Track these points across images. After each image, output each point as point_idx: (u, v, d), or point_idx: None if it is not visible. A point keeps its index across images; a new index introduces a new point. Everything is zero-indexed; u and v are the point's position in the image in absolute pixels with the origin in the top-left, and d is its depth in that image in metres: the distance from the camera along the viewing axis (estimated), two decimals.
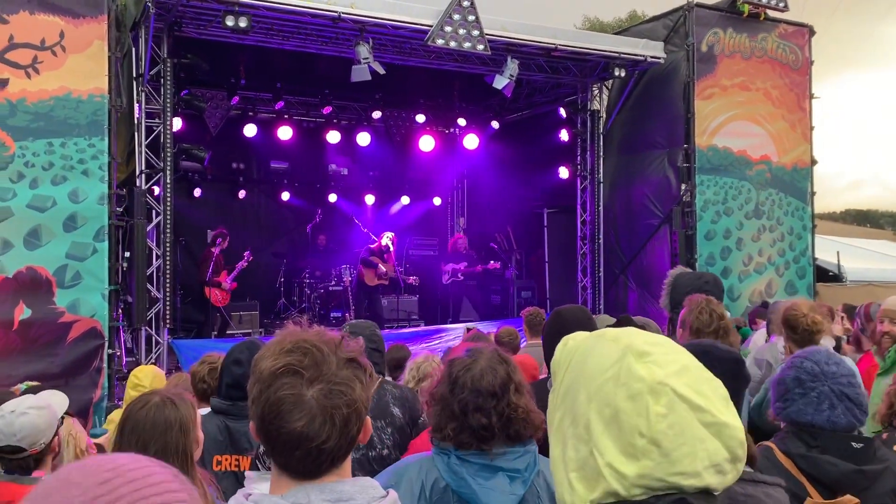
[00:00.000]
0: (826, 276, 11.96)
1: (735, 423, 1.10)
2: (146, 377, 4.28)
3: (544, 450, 2.57)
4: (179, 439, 2.18)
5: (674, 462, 1.04)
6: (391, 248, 12.07)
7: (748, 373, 2.58)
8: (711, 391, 1.10)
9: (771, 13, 10.70)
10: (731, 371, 2.38)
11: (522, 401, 2.19)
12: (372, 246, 12.08)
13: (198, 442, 2.30)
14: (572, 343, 1.21)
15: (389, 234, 12.20)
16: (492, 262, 12.52)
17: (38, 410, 2.82)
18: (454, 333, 10.19)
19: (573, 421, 1.11)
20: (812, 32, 11.20)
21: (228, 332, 10.85)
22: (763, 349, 4.60)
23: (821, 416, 2.44)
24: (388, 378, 3.79)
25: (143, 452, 2.09)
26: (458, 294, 12.72)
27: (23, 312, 6.70)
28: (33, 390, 4.04)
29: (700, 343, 2.71)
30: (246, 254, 11.16)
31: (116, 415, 5.52)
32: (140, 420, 2.19)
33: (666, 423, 1.05)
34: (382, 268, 11.84)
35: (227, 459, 2.98)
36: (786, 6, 10.67)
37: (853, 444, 2.40)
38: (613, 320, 4.02)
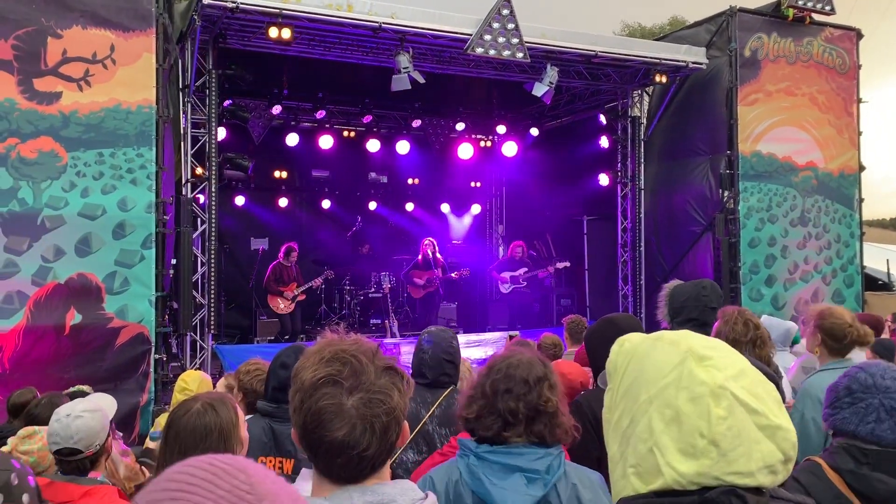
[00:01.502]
0: (875, 284, 11.67)
1: (788, 426, 1.14)
2: (193, 382, 4.37)
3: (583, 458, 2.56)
4: (220, 445, 2.23)
5: (730, 462, 1.09)
6: (430, 255, 12.13)
7: (784, 390, 2.52)
8: (766, 394, 1.15)
9: (816, 17, 10.51)
10: None
11: (555, 398, 2.23)
12: (418, 259, 12.23)
13: (242, 442, 2.35)
14: (628, 345, 1.25)
15: (427, 241, 12.26)
16: (559, 261, 12.23)
17: (91, 413, 2.92)
18: (492, 341, 10.21)
19: (633, 420, 1.16)
20: (860, 36, 10.97)
21: (270, 338, 11.04)
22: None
23: (865, 428, 2.37)
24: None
25: (184, 458, 2.16)
26: (522, 302, 12.45)
27: (73, 318, 6.90)
28: (80, 393, 4.17)
29: None
30: (325, 273, 11.55)
31: (164, 419, 5.65)
32: (182, 427, 2.26)
33: (725, 425, 1.10)
34: (419, 281, 12.07)
35: (270, 461, 3.04)
36: (832, 10, 10.46)
37: None
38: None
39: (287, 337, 11.07)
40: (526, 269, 12.21)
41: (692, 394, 1.11)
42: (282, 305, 11.23)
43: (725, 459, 1.09)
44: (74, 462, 2.82)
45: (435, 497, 1.44)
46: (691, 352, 1.16)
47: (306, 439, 1.40)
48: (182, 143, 8.47)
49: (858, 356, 3.80)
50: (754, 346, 3.35)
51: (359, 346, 1.45)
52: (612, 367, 1.26)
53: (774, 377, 2.40)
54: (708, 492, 1.09)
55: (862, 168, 11.03)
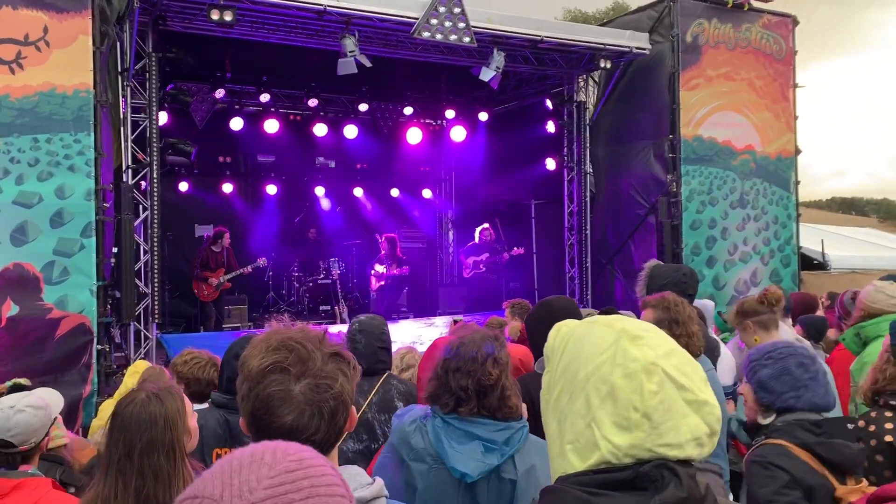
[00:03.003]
0: (811, 264, 12.07)
1: (713, 402, 1.21)
2: (144, 367, 4.30)
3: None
4: (165, 434, 2.21)
5: (661, 434, 1.15)
6: (388, 250, 12.16)
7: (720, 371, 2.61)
8: (693, 372, 1.22)
9: (755, 3, 10.77)
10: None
11: (497, 372, 2.34)
12: (380, 254, 12.24)
13: (190, 433, 2.34)
14: (565, 329, 1.30)
15: (383, 239, 12.30)
16: (515, 247, 12.27)
17: (34, 410, 2.86)
18: (440, 325, 10.26)
19: (571, 398, 1.21)
20: (795, 23, 11.28)
21: (224, 325, 10.87)
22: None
23: (827, 399, 2.51)
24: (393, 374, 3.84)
25: (130, 449, 2.17)
26: (479, 286, 12.50)
27: (10, 309, 6.68)
28: (18, 388, 4.06)
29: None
30: (260, 260, 11.30)
31: (108, 405, 5.54)
32: (126, 417, 2.24)
33: (657, 399, 1.16)
34: (378, 270, 12.16)
35: (226, 452, 3.02)
36: None
37: (849, 425, 2.49)
38: (597, 312, 4.07)
39: (202, 327, 10.84)
40: (488, 255, 12.31)
41: (626, 370, 1.18)
42: (205, 292, 10.93)
43: (657, 432, 1.15)
44: (4, 455, 2.77)
45: (382, 482, 1.47)
46: (625, 332, 1.22)
47: (255, 426, 1.41)
48: (122, 129, 8.25)
49: (787, 333, 3.98)
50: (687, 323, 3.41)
51: (305, 333, 1.46)
52: (550, 350, 1.31)
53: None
54: (642, 466, 1.14)
55: (798, 151, 11.38)
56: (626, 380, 1.17)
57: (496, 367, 2.35)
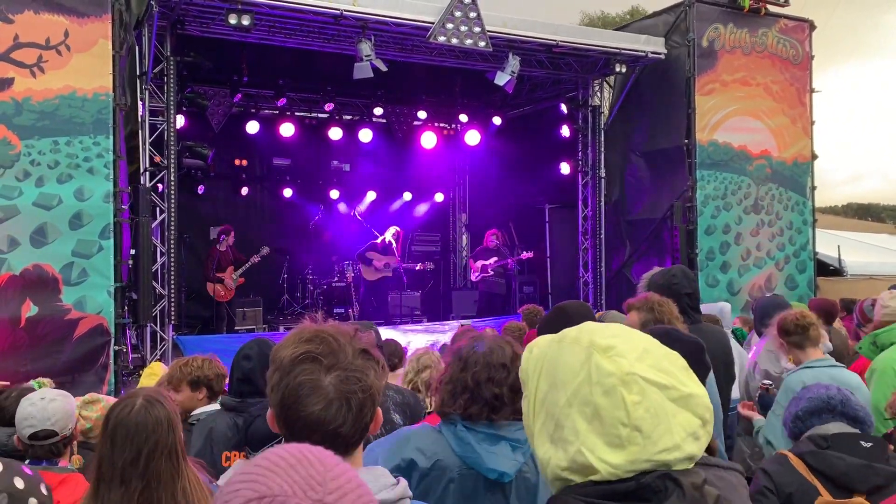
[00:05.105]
0: (827, 270, 11.99)
1: (699, 391, 1.18)
2: (160, 369, 4.37)
3: None
4: (169, 436, 2.21)
5: (655, 442, 1.12)
6: (394, 243, 12.12)
7: (709, 360, 2.57)
8: (671, 365, 1.19)
9: (771, 8, 10.72)
10: (691, 356, 2.42)
11: None
12: (376, 241, 12.16)
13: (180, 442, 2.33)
14: (537, 350, 1.26)
15: (393, 230, 12.26)
16: (524, 252, 12.16)
17: (63, 398, 2.95)
18: (452, 330, 10.26)
19: (557, 425, 1.17)
20: (812, 27, 11.22)
21: (237, 327, 10.91)
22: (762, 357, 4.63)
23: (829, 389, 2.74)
24: (391, 383, 3.78)
25: (136, 455, 2.14)
26: (490, 290, 12.35)
27: (30, 310, 6.76)
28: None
29: (658, 328, 2.76)
30: (264, 250, 11.28)
31: None
32: (130, 423, 2.20)
33: (642, 408, 1.12)
34: (377, 263, 11.97)
35: (235, 456, 3.04)
36: (786, 1, 10.69)
37: (862, 442, 2.46)
38: (623, 317, 4.01)
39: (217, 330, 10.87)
40: (496, 259, 12.24)
41: (604, 387, 1.14)
42: (221, 292, 10.96)
43: (650, 441, 1.12)
44: (48, 446, 2.83)
45: (406, 483, 1.48)
46: (594, 346, 1.18)
47: (283, 416, 1.43)
48: (140, 132, 8.33)
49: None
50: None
51: (337, 328, 1.50)
52: (525, 375, 1.27)
53: (697, 354, 2.44)
54: (643, 476, 1.11)
55: (815, 157, 11.31)
56: (606, 397, 1.13)
57: None
